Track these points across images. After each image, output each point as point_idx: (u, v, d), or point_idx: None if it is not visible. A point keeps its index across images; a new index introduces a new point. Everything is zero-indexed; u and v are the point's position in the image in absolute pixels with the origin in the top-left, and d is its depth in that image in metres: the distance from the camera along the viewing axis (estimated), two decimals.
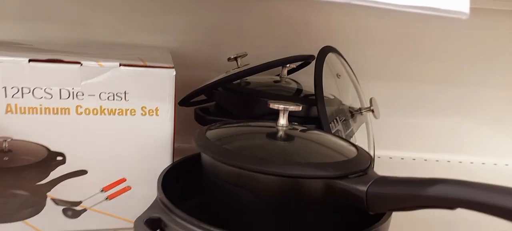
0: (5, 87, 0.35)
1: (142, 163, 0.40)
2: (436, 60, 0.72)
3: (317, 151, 0.35)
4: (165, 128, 0.40)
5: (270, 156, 0.31)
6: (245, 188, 0.31)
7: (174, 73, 0.39)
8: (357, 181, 0.29)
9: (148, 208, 0.31)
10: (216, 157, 0.31)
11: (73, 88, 0.37)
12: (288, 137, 0.36)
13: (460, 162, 0.74)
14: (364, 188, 0.28)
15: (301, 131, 0.39)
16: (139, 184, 0.40)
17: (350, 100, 0.63)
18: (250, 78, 0.60)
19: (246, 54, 0.58)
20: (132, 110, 0.38)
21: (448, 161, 0.74)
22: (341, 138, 0.40)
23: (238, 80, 0.58)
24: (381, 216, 0.32)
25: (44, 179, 0.38)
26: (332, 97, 0.58)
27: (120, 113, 0.38)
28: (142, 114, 0.39)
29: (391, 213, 0.32)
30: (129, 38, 0.63)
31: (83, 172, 0.39)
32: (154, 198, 0.33)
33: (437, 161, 0.74)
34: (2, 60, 0.35)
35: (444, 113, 0.74)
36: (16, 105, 0.36)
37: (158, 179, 0.35)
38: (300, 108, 0.36)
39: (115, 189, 0.40)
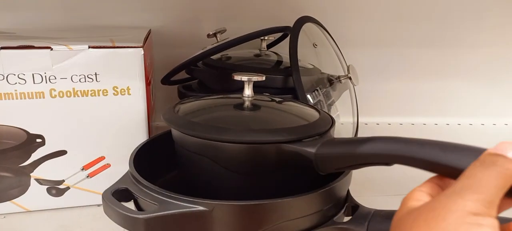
0: None
1: (119, 141, 0.41)
2: (420, 22, 0.71)
3: (278, 118, 0.37)
4: (137, 105, 0.41)
5: (231, 125, 0.33)
6: (208, 157, 0.32)
7: (142, 52, 0.40)
8: (308, 144, 0.30)
9: (117, 180, 0.33)
10: (179, 128, 0.33)
11: (45, 73, 0.38)
12: (254, 107, 0.37)
13: (448, 124, 0.75)
14: (312, 150, 0.29)
15: (269, 101, 0.40)
16: (118, 161, 0.42)
17: (331, 69, 0.64)
18: (230, 53, 0.61)
19: (225, 30, 0.59)
20: (105, 91, 0.40)
21: (436, 124, 0.75)
22: (309, 105, 0.41)
23: (219, 56, 0.59)
24: (338, 175, 0.33)
25: (26, 160, 0.40)
26: (311, 66, 0.59)
27: (93, 94, 0.40)
28: (114, 94, 0.40)
29: (349, 172, 0.34)
30: (112, 20, 0.64)
31: (62, 152, 0.41)
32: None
33: (425, 124, 0.75)
34: None
35: (430, 76, 0.74)
36: None
37: (131, 154, 0.36)
38: (263, 78, 0.37)
39: (95, 167, 0.42)
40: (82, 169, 0.42)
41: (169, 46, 0.65)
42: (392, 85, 0.74)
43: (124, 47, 0.40)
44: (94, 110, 0.40)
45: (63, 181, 0.41)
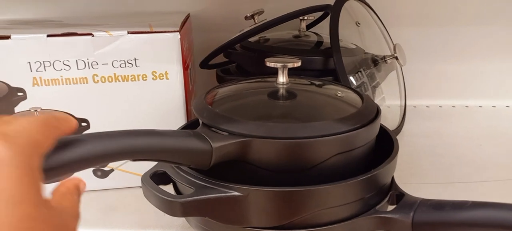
0: (29, 62, 0.39)
1: (158, 125, 0.42)
2: None
3: (314, 112, 0.35)
4: (175, 90, 0.41)
5: (266, 118, 0.32)
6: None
7: (179, 36, 0.40)
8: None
9: (156, 164, 0.33)
10: (204, 120, 0.32)
11: (88, 59, 0.39)
12: (289, 95, 0.35)
13: (508, 107, 0.69)
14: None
15: (307, 86, 0.38)
16: None
17: (376, 49, 0.60)
18: (269, 35, 0.59)
19: (263, 11, 0.58)
20: (144, 76, 0.40)
21: (494, 106, 0.69)
22: (352, 89, 0.39)
23: (257, 38, 0.58)
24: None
25: None
26: (354, 46, 0.56)
27: (133, 79, 0.40)
28: (153, 78, 0.41)
29: (393, 158, 0.32)
30: (152, 6, 0.65)
31: None
32: None
33: (480, 106, 0.69)
34: (24, 38, 0.38)
35: (488, 55, 0.68)
36: (40, 78, 0.39)
37: None
38: (299, 63, 0.35)
39: None
40: None
41: (208, 30, 0.65)
42: (444, 65, 0.69)
43: (162, 32, 0.40)
44: (134, 95, 0.41)
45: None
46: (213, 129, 0.30)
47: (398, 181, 0.35)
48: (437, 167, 0.49)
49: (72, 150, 0.23)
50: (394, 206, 0.31)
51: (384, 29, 0.61)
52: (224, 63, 0.60)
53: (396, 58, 0.54)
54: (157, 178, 0.32)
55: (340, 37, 0.50)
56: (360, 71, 0.54)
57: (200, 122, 0.33)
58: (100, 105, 0.41)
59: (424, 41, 0.68)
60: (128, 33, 0.39)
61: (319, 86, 0.39)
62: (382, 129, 0.36)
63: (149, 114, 0.42)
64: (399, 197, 0.33)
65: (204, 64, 0.56)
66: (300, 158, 0.30)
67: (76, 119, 0.41)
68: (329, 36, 0.50)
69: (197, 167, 0.29)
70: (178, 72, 0.41)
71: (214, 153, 0.28)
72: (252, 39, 0.56)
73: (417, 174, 0.48)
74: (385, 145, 0.35)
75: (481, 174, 0.47)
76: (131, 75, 0.40)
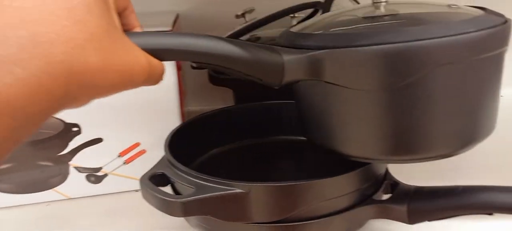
0: None
1: (153, 127, 0.42)
2: None
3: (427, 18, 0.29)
4: (169, 90, 0.41)
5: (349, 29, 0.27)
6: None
7: None
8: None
9: (154, 165, 0.33)
10: (280, 42, 0.29)
11: None
12: (388, 14, 0.29)
13: None
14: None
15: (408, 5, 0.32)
16: (152, 147, 0.43)
17: None
18: (260, 34, 0.59)
19: (254, 9, 0.58)
20: None
21: None
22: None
23: (248, 37, 0.58)
24: None
25: (64, 149, 0.41)
26: None
27: None
28: None
29: None
30: (139, 6, 0.64)
31: (99, 140, 0.41)
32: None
33: None
34: None
35: None
36: None
37: (166, 139, 0.37)
38: None
39: (131, 153, 0.43)
40: (119, 156, 0.42)
41: (198, 29, 0.64)
42: None
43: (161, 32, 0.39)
44: (126, 97, 0.40)
45: (101, 168, 0.43)
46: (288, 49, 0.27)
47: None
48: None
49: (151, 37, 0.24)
50: (389, 195, 0.32)
51: None
52: None
53: None
54: (156, 179, 0.32)
55: None
56: None
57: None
58: (91, 109, 0.40)
59: None
60: None
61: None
62: None
63: (142, 116, 0.42)
64: (394, 186, 0.33)
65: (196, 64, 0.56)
66: (391, 71, 0.25)
67: (67, 123, 0.40)
68: None
69: (269, 82, 0.26)
70: (172, 73, 0.41)
71: (285, 66, 0.25)
72: (243, 38, 0.56)
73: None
74: None
75: (468, 160, 0.48)
76: None
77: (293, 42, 0.28)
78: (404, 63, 0.24)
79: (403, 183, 0.33)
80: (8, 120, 0.17)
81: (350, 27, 0.29)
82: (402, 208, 0.30)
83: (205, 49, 0.25)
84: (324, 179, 0.29)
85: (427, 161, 0.27)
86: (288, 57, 0.26)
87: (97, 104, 0.40)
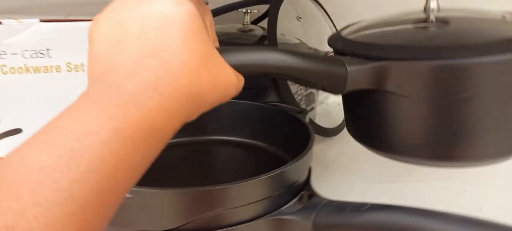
0: None
1: None
2: None
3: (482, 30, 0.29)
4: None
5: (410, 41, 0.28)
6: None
7: None
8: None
9: None
10: (339, 49, 0.30)
11: None
12: (440, 21, 0.30)
13: None
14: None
15: (462, 13, 0.32)
16: None
17: (324, 44, 0.59)
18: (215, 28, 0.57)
19: (207, 3, 0.56)
20: (58, 67, 0.38)
21: None
22: None
23: None
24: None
25: None
26: (298, 41, 0.55)
27: (46, 70, 0.38)
28: (68, 70, 0.38)
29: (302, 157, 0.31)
30: None
31: (18, 131, 0.39)
32: None
33: None
34: None
35: None
36: None
37: None
38: None
39: None
40: None
41: None
42: None
43: (77, 20, 0.37)
44: (48, 88, 0.39)
45: None
46: (348, 57, 0.28)
47: (332, 179, 0.34)
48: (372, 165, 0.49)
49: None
50: (299, 207, 0.30)
51: (332, 24, 0.60)
52: None
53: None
54: None
55: (283, 32, 0.49)
56: None
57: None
58: (10, 99, 0.38)
59: None
60: (40, 21, 0.37)
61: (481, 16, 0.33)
62: (299, 122, 0.35)
63: (64, 108, 0.39)
64: (310, 197, 0.32)
65: None
66: (450, 83, 0.26)
67: None
68: (281, 31, 0.49)
69: (331, 91, 0.28)
70: None
71: (348, 76, 0.26)
72: None
73: (356, 171, 0.47)
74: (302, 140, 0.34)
75: (414, 174, 0.46)
76: (43, 67, 0.38)
77: (355, 51, 0.28)
78: (467, 78, 0.26)
79: (318, 195, 0.31)
80: (153, 140, 0.19)
81: (411, 38, 0.30)
82: (307, 223, 0.28)
83: (279, 63, 0.26)
84: (220, 186, 0.27)
85: (474, 166, 0.29)
86: (352, 68, 0.27)
87: (16, 93, 0.38)
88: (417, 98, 0.27)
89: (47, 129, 0.18)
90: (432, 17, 0.30)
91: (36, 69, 0.38)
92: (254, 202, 0.29)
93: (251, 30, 0.57)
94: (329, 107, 0.63)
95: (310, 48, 0.55)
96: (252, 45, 0.27)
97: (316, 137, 0.36)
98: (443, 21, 0.30)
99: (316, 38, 0.58)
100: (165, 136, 0.20)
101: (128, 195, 0.26)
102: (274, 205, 0.30)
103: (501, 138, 0.27)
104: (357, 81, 0.27)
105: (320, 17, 0.60)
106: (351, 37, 0.31)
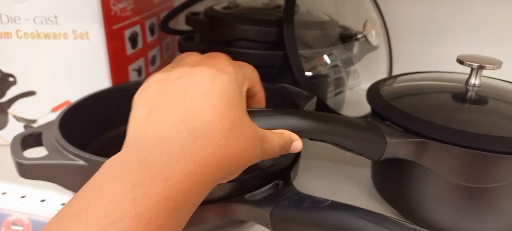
0: None
1: (83, 87, 0.41)
2: None
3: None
4: (97, 51, 0.40)
5: (449, 120, 0.28)
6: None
7: None
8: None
9: (39, 126, 0.33)
10: (378, 111, 0.31)
11: (10, 13, 0.39)
12: (479, 99, 0.31)
13: None
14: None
15: (500, 90, 0.33)
16: None
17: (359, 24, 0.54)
18: (241, 2, 0.55)
19: None
20: (64, 34, 0.39)
21: None
22: None
23: (227, 4, 0.54)
24: None
25: (2, 97, 0.42)
26: (328, 19, 0.51)
27: (54, 37, 0.40)
28: (74, 37, 0.40)
29: None
30: None
31: (32, 93, 0.42)
32: None
33: None
34: None
35: (491, 34, 0.58)
36: None
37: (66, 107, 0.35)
38: (500, 67, 0.31)
39: None
40: (51, 111, 0.43)
41: None
42: (444, 46, 0.60)
43: None
44: (57, 54, 0.40)
45: (36, 120, 0.43)
46: (387, 123, 0.29)
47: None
48: None
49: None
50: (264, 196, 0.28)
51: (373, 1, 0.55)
52: (189, 31, 0.57)
53: (365, 37, 0.48)
54: (33, 138, 0.31)
55: (315, 8, 0.45)
56: (333, 50, 0.48)
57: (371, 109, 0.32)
58: (25, 62, 0.41)
59: (422, 17, 0.59)
60: None
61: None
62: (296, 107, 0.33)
63: (72, 74, 0.41)
64: (283, 186, 0.29)
65: (164, 26, 0.54)
66: (483, 172, 0.27)
67: (4, 73, 0.41)
68: (305, 8, 0.45)
69: (368, 157, 0.29)
70: (99, 32, 0.39)
71: (387, 147, 0.28)
72: (220, 5, 0.52)
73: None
74: None
75: None
76: (52, 33, 0.39)
77: (394, 120, 0.29)
78: (502, 169, 0.26)
79: (291, 186, 0.28)
80: (175, 215, 0.19)
81: (450, 117, 0.29)
82: (265, 214, 0.26)
83: (315, 129, 0.26)
84: None
85: None
86: (392, 140, 0.28)
87: (30, 57, 0.41)
88: (449, 177, 0.28)
89: (74, 212, 0.18)
90: (472, 94, 0.31)
91: (46, 35, 0.40)
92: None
93: (278, 5, 0.54)
94: (357, 94, 0.57)
95: (341, 26, 0.51)
96: (287, 109, 0.26)
97: None
98: (482, 100, 0.31)
99: (351, 18, 0.53)
100: (191, 207, 0.20)
101: (82, 163, 0.26)
102: (241, 189, 0.28)
103: None
104: (394, 152, 0.28)
105: None
106: (391, 100, 0.31)
